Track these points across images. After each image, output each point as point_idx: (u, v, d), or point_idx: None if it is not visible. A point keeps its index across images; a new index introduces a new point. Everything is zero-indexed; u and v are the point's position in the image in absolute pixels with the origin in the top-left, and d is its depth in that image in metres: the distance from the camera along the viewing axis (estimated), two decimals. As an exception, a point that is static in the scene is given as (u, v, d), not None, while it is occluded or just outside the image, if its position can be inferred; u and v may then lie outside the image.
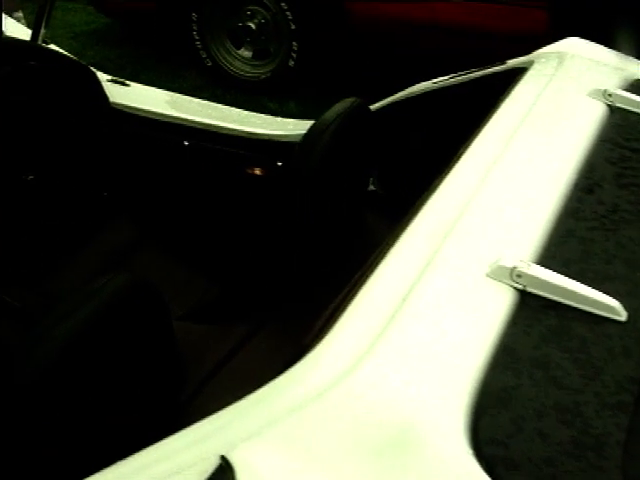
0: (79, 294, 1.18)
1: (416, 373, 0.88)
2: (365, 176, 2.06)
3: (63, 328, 1.10)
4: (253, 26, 4.23)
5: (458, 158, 1.31)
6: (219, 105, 2.58)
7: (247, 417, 0.84)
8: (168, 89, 2.77)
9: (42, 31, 2.60)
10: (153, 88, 2.72)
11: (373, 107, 2.01)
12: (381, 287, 1.00)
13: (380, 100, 2.08)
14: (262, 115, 2.45)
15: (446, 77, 2.02)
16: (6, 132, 2.11)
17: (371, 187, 2.17)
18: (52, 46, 2.66)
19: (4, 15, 2.99)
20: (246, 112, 2.47)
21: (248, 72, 4.38)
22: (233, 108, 2.50)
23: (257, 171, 2.28)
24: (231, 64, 4.39)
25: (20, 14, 4.45)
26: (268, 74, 4.30)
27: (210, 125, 2.29)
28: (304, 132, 2.14)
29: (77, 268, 2.26)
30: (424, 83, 2.06)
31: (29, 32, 2.77)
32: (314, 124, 1.73)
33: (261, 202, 2.27)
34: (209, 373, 1.60)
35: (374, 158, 2.05)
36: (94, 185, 2.54)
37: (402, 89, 2.08)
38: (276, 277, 1.93)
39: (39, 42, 2.58)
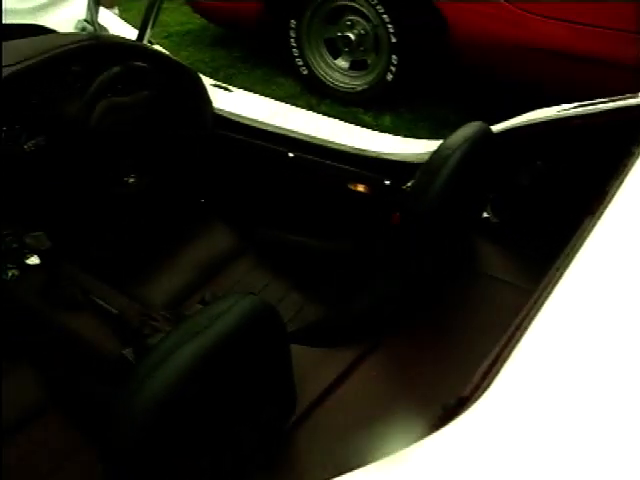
0: (202, 316, 1.12)
1: (591, 443, 0.79)
2: (481, 202, 1.97)
3: (188, 351, 1.05)
4: (352, 36, 4.15)
5: (608, 202, 1.19)
6: (324, 117, 2.51)
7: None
8: (262, 95, 2.72)
9: (148, 31, 2.58)
10: (257, 95, 2.67)
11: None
12: (544, 341, 0.91)
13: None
14: (369, 130, 2.38)
15: (569, 105, 1.93)
16: (112, 132, 2.08)
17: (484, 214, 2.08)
18: (157, 47, 2.63)
19: (107, 11, 3.00)
20: (352, 126, 2.40)
21: (344, 83, 4.30)
22: (340, 121, 2.43)
23: (360, 187, 2.21)
24: (327, 74, 4.32)
25: (116, 11, 4.47)
26: (365, 86, 4.20)
27: (316, 139, 2.23)
28: (417, 152, 2.08)
29: (170, 274, 2.22)
30: (546, 110, 1.96)
31: (128, 30, 2.76)
32: (440, 147, 1.65)
33: (364, 220, 2.20)
34: (315, 400, 1.53)
35: (493, 184, 1.97)
36: (192, 191, 2.51)
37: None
38: (379, 301, 1.85)
39: (144, 42, 2.56)
